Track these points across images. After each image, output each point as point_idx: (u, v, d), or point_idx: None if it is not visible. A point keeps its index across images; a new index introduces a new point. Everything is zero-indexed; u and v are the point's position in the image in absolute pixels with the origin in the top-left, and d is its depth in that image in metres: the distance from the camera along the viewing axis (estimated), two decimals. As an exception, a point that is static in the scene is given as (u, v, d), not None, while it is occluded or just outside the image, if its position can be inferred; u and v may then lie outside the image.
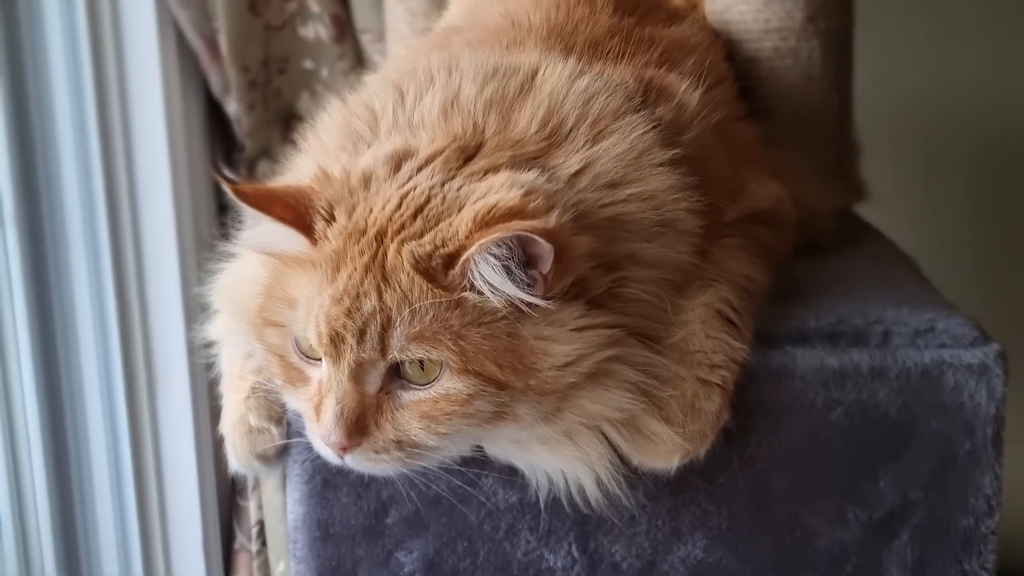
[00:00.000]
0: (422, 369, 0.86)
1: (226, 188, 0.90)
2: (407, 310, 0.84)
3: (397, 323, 0.84)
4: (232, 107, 1.69)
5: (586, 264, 0.87)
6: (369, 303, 0.84)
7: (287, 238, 0.89)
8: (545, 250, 0.82)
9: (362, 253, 0.86)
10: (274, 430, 1.02)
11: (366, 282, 0.85)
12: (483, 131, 0.94)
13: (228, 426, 1.03)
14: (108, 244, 1.68)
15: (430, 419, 0.86)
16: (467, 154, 0.92)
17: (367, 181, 0.90)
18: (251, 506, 1.86)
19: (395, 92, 0.99)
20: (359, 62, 1.71)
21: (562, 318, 0.86)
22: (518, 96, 0.96)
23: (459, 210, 0.86)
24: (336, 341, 0.86)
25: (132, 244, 1.71)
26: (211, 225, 1.81)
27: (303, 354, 0.90)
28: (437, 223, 0.86)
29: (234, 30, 1.60)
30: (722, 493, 1.01)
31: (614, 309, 0.89)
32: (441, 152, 0.91)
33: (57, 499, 1.73)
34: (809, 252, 1.16)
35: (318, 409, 0.89)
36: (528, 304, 0.85)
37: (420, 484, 0.96)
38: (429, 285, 0.84)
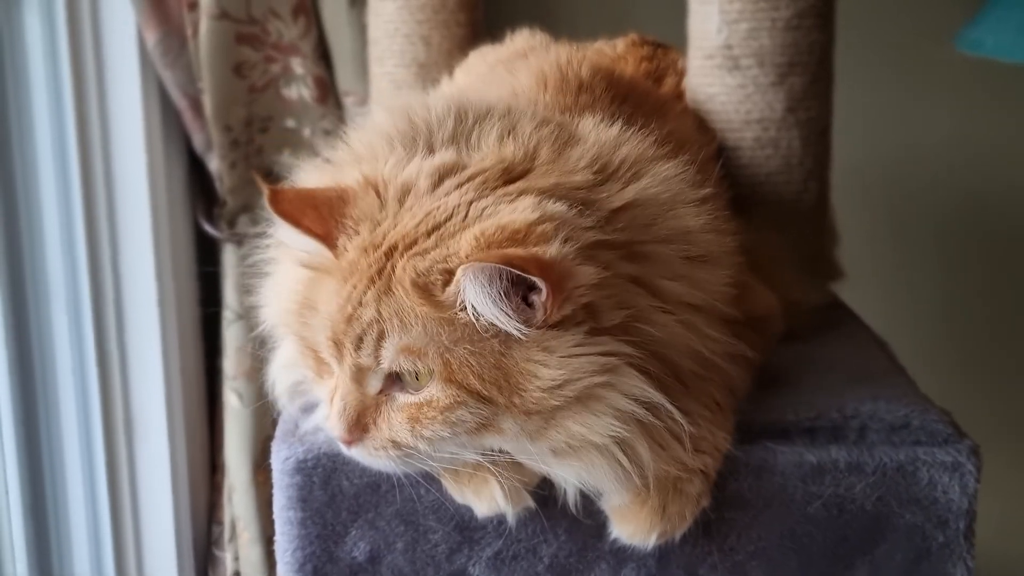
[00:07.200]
0: (417, 377, 0.89)
1: (264, 189, 0.93)
2: (398, 323, 0.87)
3: (389, 334, 0.88)
4: (214, 164, 1.69)
5: (595, 294, 0.87)
6: (368, 313, 0.88)
7: (316, 248, 0.93)
8: (536, 279, 0.83)
9: (370, 266, 0.89)
10: None
11: (368, 294, 0.89)
12: (534, 159, 0.96)
13: None
14: (89, 296, 1.69)
15: (415, 422, 0.90)
16: (511, 176, 0.94)
17: (405, 194, 0.93)
18: (227, 557, 1.86)
19: (456, 110, 1.01)
20: (342, 122, 1.72)
21: (556, 344, 0.87)
22: (569, 140, 0.99)
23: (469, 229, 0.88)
24: (339, 346, 0.90)
25: (113, 296, 1.71)
26: (191, 279, 1.82)
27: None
28: (448, 241, 0.88)
29: (218, 91, 1.61)
30: (702, 584, 1.03)
31: (621, 339, 0.88)
32: (486, 171, 0.93)
33: (35, 552, 1.73)
34: (788, 338, 1.18)
35: (331, 402, 0.94)
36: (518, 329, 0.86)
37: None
38: (422, 300, 0.87)
